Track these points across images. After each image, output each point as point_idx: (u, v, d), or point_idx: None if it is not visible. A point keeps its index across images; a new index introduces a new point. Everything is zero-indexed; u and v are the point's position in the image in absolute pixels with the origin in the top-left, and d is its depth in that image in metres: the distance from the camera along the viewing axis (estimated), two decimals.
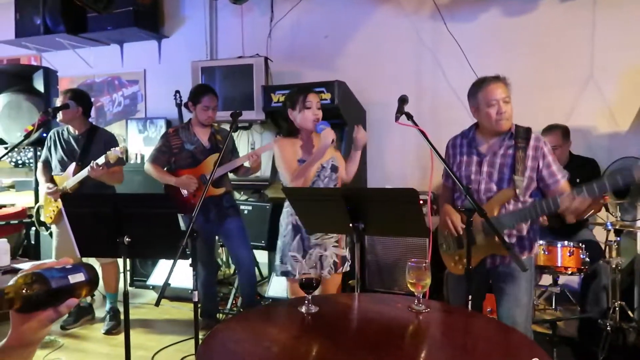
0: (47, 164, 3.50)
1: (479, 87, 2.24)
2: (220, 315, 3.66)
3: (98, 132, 3.47)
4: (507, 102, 2.18)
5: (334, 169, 2.58)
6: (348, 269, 2.64)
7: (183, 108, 4.48)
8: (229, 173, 3.43)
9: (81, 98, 3.39)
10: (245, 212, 4.05)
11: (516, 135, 2.21)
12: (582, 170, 3.18)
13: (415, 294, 1.64)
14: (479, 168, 2.26)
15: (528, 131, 2.22)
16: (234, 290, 3.90)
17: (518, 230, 2.24)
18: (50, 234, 3.76)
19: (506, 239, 2.18)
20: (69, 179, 3.30)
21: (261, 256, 4.41)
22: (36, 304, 0.90)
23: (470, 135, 2.33)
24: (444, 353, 1.41)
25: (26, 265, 2.40)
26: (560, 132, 3.26)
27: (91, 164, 3.10)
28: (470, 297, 1.92)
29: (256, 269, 4.45)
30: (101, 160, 3.08)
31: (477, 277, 2.28)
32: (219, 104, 3.43)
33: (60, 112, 3.25)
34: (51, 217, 3.45)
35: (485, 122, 2.24)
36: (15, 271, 2.30)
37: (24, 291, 0.87)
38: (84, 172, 3.18)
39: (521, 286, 2.22)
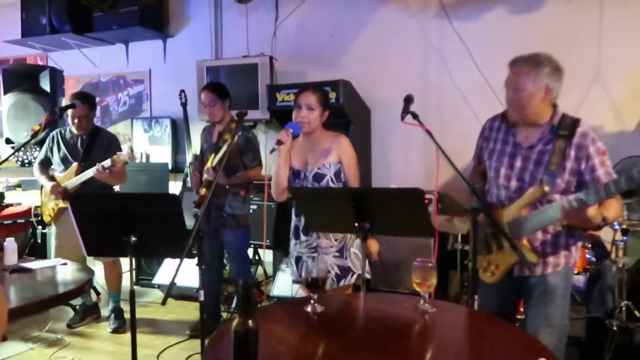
0: (44, 163, 3.50)
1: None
2: (226, 314, 3.67)
3: (101, 132, 3.50)
4: (516, 89, 1.92)
5: (318, 177, 2.36)
6: (353, 281, 2.38)
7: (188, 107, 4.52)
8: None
9: (92, 99, 3.48)
10: (250, 211, 4.06)
11: (559, 126, 1.90)
12: None
13: (421, 294, 1.64)
14: (511, 162, 1.99)
15: (574, 124, 1.89)
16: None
17: (554, 235, 1.96)
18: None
19: (537, 243, 1.96)
20: (71, 179, 3.32)
21: (266, 255, 4.42)
22: None
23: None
24: (450, 353, 1.40)
25: (33, 265, 2.41)
26: None
27: (97, 167, 3.12)
28: (476, 296, 1.87)
29: (261, 268, 4.47)
30: (107, 163, 3.11)
31: (506, 289, 2.07)
32: None
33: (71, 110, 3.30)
34: (50, 216, 3.46)
35: None
36: (22, 270, 2.32)
37: None
38: (89, 173, 3.21)
39: (554, 303, 1.97)
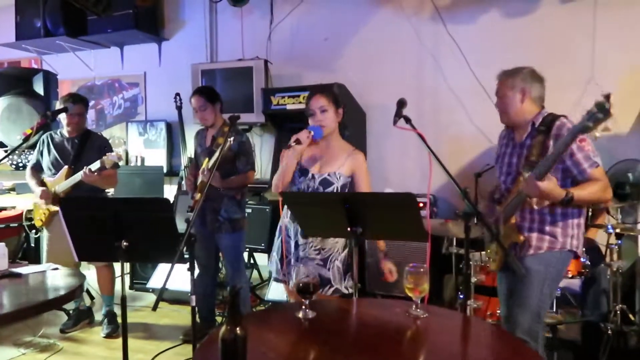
0: (36, 168, 3.48)
1: None
2: (220, 318, 3.64)
3: (92, 136, 3.48)
4: (500, 97, 2.22)
5: (325, 183, 2.35)
6: (329, 293, 2.30)
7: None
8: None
9: (85, 98, 3.47)
10: (246, 214, 4.04)
11: (540, 123, 2.11)
12: None
13: (413, 299, 1.63)
14: (510, 159, 2.25)
15: (553, 119, 2.08)
16: None
17: (539, 221, 2.11)
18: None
19: (525, 232, 2.13)
20: (61, 182, 3.30)
21: (261, 259, 4.40)
22: None
23: None
24: (440, 359, 1.39)
25: (24, 270, 2.39)
26: None
27: (84, 170, 3.11)
28: (469, 301, 1.89)
29: (256, 271, 4.45)
30: (95, 166, 3.11)
31: (511, 272, 2.17)
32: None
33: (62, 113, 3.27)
34: (41, 220, 3.43)
35: None
36: (13, 275, 2.30)
37: None
38: (77, 177, 3.19)
39: (531, 286, 2.10)
